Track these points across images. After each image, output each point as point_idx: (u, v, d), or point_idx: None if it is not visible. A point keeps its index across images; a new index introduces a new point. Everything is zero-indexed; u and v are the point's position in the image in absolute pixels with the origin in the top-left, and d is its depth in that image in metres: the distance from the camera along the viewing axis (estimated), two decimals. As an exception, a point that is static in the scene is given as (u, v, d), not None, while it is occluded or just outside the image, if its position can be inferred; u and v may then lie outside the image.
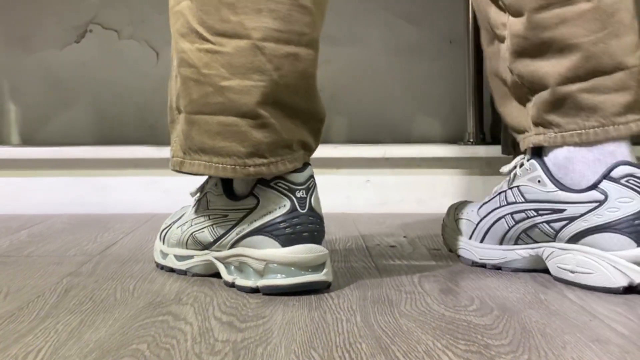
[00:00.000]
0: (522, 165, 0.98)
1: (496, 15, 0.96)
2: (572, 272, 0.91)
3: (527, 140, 0.97)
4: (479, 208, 1.03)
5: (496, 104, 1.03)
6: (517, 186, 0.97)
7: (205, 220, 0.95)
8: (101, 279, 0.97)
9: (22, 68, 1.88)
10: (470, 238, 1.03)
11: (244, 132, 0.87)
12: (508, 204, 0.98)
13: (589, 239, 0.90)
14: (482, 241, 1.02)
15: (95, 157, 1.67)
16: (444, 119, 1.88)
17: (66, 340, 0.71)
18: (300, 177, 0.89)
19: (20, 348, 0.68)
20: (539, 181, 0.94)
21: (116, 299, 0.86)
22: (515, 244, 0.98)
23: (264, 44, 0.86)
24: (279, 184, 0.88)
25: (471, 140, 1.78)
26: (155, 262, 1.03)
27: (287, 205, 0.87)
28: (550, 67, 0.92)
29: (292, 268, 0.87)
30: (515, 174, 0.99)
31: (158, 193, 1.66)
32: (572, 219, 0.91)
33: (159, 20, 1.88)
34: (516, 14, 0.93)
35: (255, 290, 0.88)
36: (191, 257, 0.97)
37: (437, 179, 1.69)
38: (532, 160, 0.96)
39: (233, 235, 0.91)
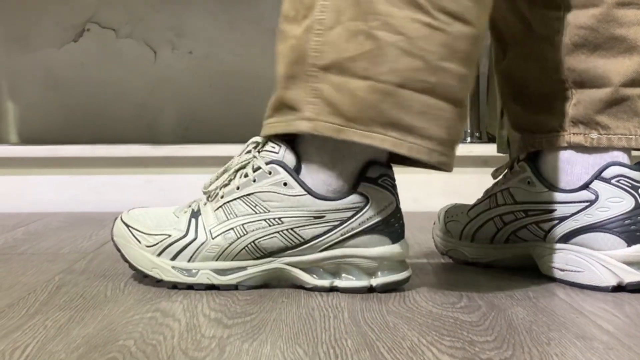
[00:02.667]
0: (512, 167, 0.99)
1: (545, 11, 0.94)
2: (561, 270, 0.92)
3: (559, 139, 0.94)
4: (469, 210, 1.04)
5: (506, 103, 1.02)
6: (507, 188, 0.97)
7: (273, 225, 0.87)
8: (93, 277, 0.97)
9: (20, 67, 1.89)
10: (460, 239, 1.03)
11: (451, 119, 0.83)
12: (498, 205, 0.98)
13: (579, 238, 0.90)
14: (471, 241, 1.02)
15: (92, 156, 1.68)
16: (441, 117, 1.88)
17: (54, 336, 0.71)
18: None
19: (7, 344, 0.68)
20: (528, 182, 0.95)
21: (106, 296, 0.87)
22: (505, 243, 0.99)
23: (481, 35, 0.85)
24: (386, 181, 0.88)
25: (468, 138, 1.78)
26: (167, 282, 0.90)
27: (394, 203, 0.88)
28: (612, 66, 0.91)
29: (403, 263, 0.89)
30: (505, 177, 1.00)
31: (154, 191, 1.66)
32: (562, 219, 0.91)
33: (157, 19, 1.88)
34: (588, 5, 0.91)
35: (369, 290, 0.87)
36: (243, 268, 0.89)
37: (434, 177, 1.69)
38: (522, 162, 0.96)
39: (334, 237, 0.87)
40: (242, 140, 1.87)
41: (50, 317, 0.77)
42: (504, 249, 0.99)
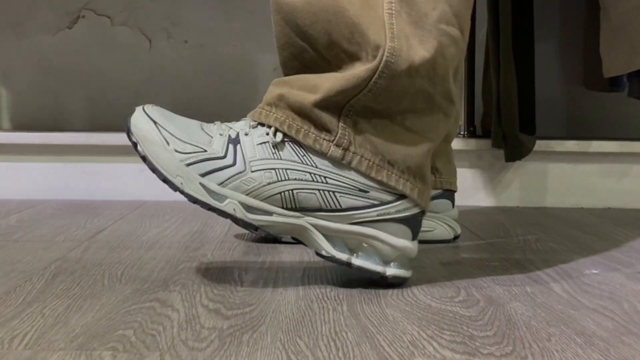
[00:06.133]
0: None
1: None
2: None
3: None
4: None
5: None
6: None
7: (316, 182, 0.84)
8: (89, 265, 0.97)
9: (14, 53, 1.88)
10: None
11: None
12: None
13: None
14: None
15: (85, 143, 1.67)
16: (436, 111, 1.88)
17: (52, 324, 0.71)
18: None
19: (6, 332, 0.68)
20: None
21: (104, 285, 0.86)
22: None
23: None
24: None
25: (462, 133, 1.78)
26: (188, 194, 0.84)
27: (428, 202, 0.91)
28: None
29: (412, 261, 0.89)
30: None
31: (148, 180, 1.66)
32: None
33: (152, 7, 1.87)
34: None
35: (380, 277, 0.86)
36: (270, 213, 0.85)
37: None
38: None
39: (369, 215, 0.85)
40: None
41: (48, 306, 0.77)
42: None
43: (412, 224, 0.88)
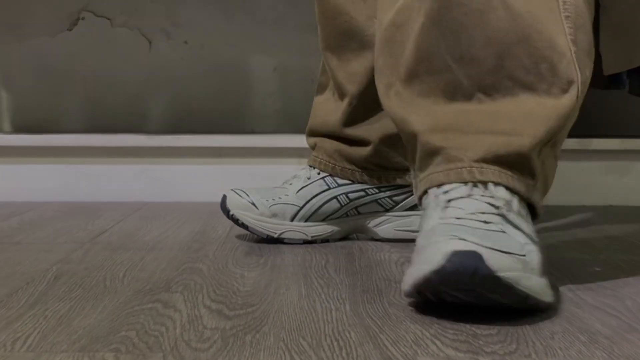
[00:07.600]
0: None
1: None
2: (413, 231, 1.07)
3: None
4: (297, 192, 1.13)
5: None
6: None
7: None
8: (91, 267, 0.97)
9: (14, 55, 1.88)
10: (292, 220, 1.12)
11: None
12: (339, 185, 1.14)
13: None
14: (306, 221, 1.12)
15: (86, 145, 1.67)
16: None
17: (55, 326, 0.70)
18: None
19: (8, 334, 0.68)
20: None
21: (106, 287, 0.86)
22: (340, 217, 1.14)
23: None
24: None
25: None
26: None
27: None
28: None
29: None
30: None
31: (149, 181, 1.66)
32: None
33: (152, 8, 1.87)
34: None
35: None
36: None
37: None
38: None
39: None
40: (237, 131, 1.86)
41: (50, 308, 0.77)
42: (337, 222, 1.14)
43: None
